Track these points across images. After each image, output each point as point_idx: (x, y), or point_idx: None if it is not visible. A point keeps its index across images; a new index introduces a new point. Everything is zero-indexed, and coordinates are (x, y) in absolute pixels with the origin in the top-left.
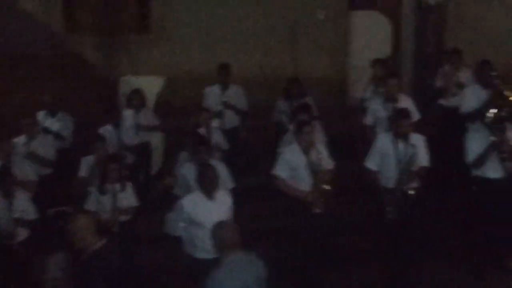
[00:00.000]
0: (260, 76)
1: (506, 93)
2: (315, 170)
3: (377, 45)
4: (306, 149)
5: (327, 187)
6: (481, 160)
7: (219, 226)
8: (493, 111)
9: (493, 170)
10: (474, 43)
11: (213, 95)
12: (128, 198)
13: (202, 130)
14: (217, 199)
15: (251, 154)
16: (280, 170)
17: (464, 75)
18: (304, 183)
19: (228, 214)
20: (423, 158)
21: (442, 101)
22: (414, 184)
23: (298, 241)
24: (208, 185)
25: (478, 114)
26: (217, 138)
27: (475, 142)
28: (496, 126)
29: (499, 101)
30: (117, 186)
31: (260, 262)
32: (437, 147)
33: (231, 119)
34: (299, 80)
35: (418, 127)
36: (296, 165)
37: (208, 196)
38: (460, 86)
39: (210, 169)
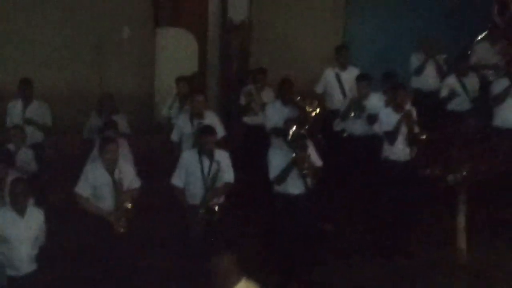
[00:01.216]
0: (66, 91)
1: (308, 110)
2: (118, 189)
3: (183, 62)
4: (110, 167)
5: (130, 206)
6: (282, 176)
7: None
8: (294, 128)
9: (294, 186)
10: (279, 61)
11: (15, 111)
12: None
13: (11, 146)
14: (28, 215)
15: (56, 171)
16: (82, 188)
17: (268, 94)
18: (107, 202)
19: (39, 230)
20: (228, 175)
21: (246, 119)
22: (219, 200)
23: (100, 261)
24: (17, 200)
25: (280, 131)
26: (24, 156)
27: (277, 159)
28: (297, 143)
29: (301, 118)
30: None
31: None
32: (241, 163)
33: (34, 135)
34: (111, 96)
35: (223, 144)
36: (99, 183)
37: (18, 212)
38: (263, 105)
39: (20, 184)
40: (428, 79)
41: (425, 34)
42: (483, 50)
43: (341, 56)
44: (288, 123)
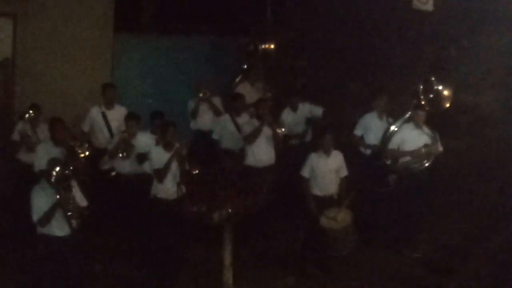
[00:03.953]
0: None
1: (78, 149)
2: None
3: None
4: None
5: None
6: (46, 218)
7: None
8: (57, 168)
9: (59, 228)
10: (44, 99)
11: None
12: None
13: None
14: None
15: None
16: None
17: (42, 131)
18: None
19: None
20: None
21: (21, 156)
22: None
23: None
24: None
25: (45, 172)
26: None
27: (40, 200)
28: (61, 183)
29: (68, 159)
30: None
31: None
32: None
33: None
34: None
35: None
36: None
37: None
38: (36, 142)
39: None
40: (205, 119)
41: (192, 73)
42: (245, 90)
43: (108, 95)
44: (51, 164)
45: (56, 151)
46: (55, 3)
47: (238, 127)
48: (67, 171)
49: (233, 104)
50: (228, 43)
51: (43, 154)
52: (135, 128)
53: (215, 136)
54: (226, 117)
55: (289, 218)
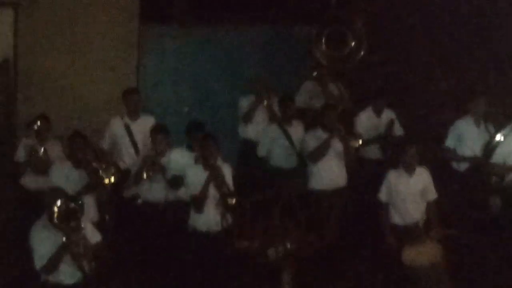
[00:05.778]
0: None
1: (102, 172)
2: None
3: None
4: None
5: None
6: (52, 265)
7: None
8: (59, 203)
9: (68, 275)
10: (56, 110)
11: None
12: None
13: None
14: None
15: None
16: None
17: (52, 149)
18: None
19: None
20: None
21: (25, 181)
22: None
23: None
24: None
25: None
26: None
27: (43, 243)
28: (67, 222)
29: (96, 182)
30: None
31: None
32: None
33: None
34: None
35: None
36: None
37: None
38: (46, 161)
39: None
40: (259, 127)
41: (240, 73)
42: (311, 90)
43: (131, 102)
44: (51, 196)
45: (75, 175)
46: None
47: (290, 139)
48: (72, 205)
49: (282, 111)
50: (285, 34)
51: (59, 179)
52: (164, 144)
53: (262, 152)
54: (273, 127)
55: (363, 254)
